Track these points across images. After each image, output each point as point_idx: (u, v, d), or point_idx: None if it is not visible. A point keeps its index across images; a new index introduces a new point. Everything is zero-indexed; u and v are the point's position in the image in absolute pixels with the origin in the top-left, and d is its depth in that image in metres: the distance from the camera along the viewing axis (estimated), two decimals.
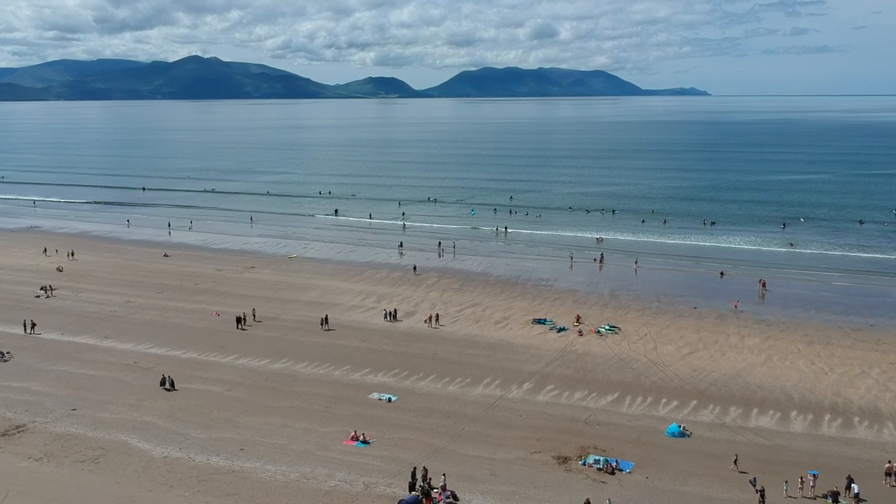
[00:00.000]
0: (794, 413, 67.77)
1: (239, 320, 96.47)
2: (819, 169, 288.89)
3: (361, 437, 63.30)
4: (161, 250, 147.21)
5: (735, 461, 57.32)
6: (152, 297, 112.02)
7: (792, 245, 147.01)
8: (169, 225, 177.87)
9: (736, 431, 64.18)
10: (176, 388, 75.06)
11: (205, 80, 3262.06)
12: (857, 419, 66.38)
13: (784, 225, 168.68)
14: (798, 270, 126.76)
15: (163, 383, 75.35)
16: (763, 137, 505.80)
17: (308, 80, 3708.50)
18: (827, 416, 66.97)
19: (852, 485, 53.48)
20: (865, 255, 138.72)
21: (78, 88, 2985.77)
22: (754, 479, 54.78)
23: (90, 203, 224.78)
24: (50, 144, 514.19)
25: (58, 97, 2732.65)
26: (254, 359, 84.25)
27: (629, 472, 57.40)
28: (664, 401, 71.03)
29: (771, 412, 68.04)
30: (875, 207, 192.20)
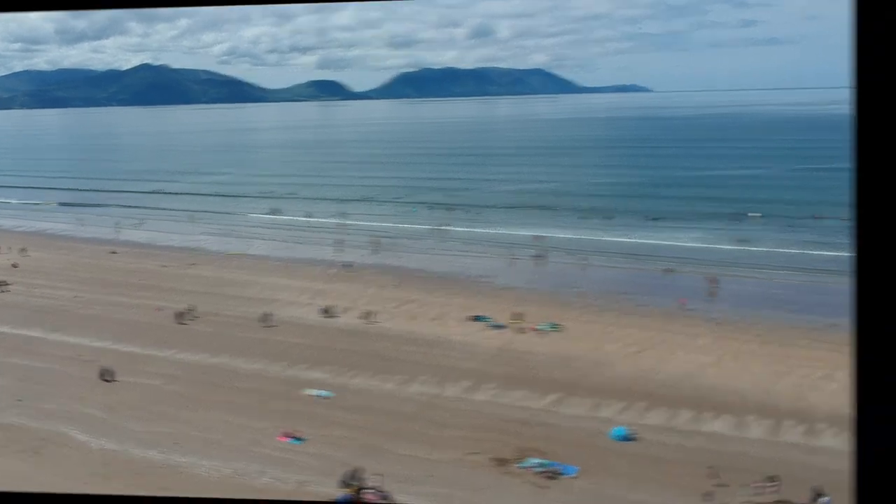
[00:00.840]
0: (750, 417, 62.58)
1: (180, 315, 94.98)
2: (770, 163, 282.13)
3: (295, 434, 61.21)
4: (109, 248, 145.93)
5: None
6: (98, 292, 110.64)
7: (742, 241, 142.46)
8: (117, 224, 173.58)
9: (687, 436, 59.33)
10: (117, 379, 74.07)
11: (156, 86, 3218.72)
12: (821, 425, 60.91)
13: (733, 220, 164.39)
14: (750, 268, 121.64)
15: (102, 375, 74.17)
16: (708, 132, 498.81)
17: (252, 84, 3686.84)
18: (787, 422, 61.66)
19: (819, 498, 47.37)
20: (824, 252, 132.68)
21: (40, 97, 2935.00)
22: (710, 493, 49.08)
23: (47, 203, 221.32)
24: (8, 150, 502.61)
25: (22, 106, 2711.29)
26: (193, 353, 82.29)
27: (573, 477, 53.54)
28: (609, 402, 66.12)
29: (725, 416, 62.89)
30: (833, 203, 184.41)
